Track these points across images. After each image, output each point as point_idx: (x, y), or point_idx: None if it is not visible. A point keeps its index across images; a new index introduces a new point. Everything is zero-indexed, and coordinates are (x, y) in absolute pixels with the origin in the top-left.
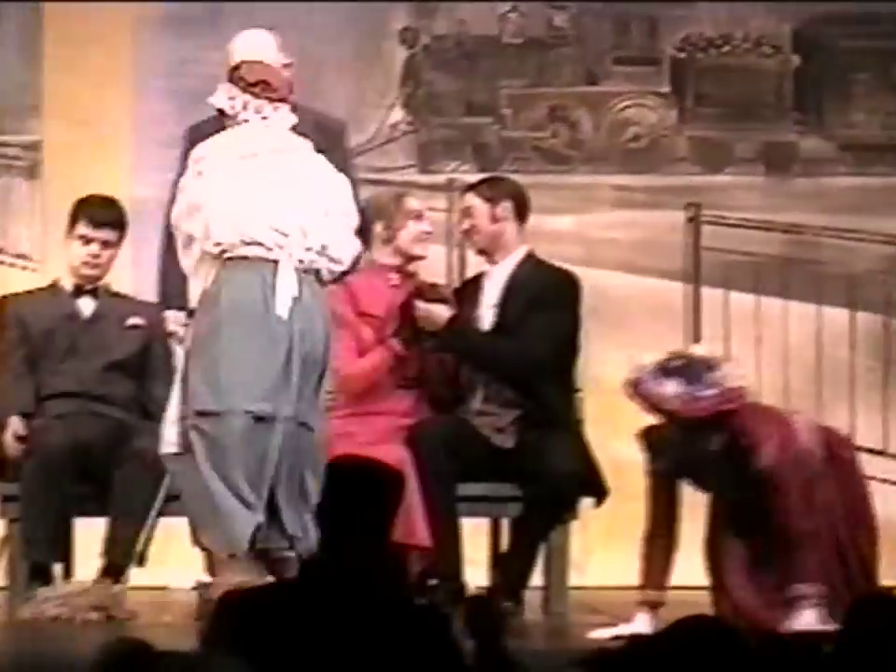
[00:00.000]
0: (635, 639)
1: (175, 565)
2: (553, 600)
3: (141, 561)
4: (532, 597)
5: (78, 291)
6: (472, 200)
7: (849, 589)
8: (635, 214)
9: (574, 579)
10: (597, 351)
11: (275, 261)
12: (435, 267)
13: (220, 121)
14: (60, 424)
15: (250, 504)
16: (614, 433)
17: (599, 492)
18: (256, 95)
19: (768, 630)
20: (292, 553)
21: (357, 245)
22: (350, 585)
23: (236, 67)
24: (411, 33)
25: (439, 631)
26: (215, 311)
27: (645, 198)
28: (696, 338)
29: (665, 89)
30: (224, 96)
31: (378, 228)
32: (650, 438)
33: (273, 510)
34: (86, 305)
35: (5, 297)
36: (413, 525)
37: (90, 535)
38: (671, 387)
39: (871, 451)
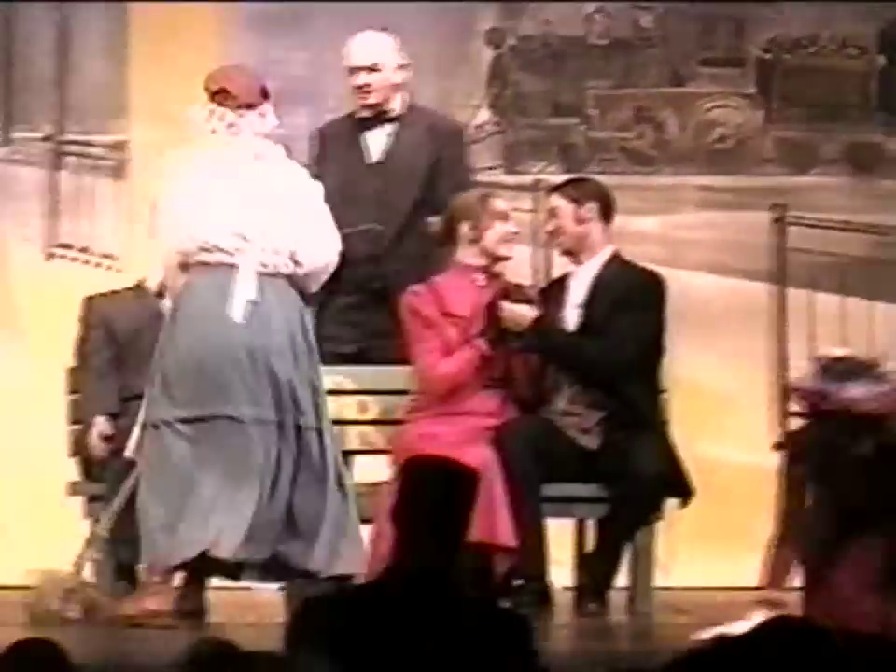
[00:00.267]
0: (722, 639)
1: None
2: (639, 601)
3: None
4: (617, 598)
5: (163, 291)
6: (558, 201)
7: None
8: (720, 215)
9: (659, 579)
10: (682, 352)
11: (236, 266)
12: (521, 268)
13: (346, 122)
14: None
15: (178, 523)
16: (699, 434)
17: (685, 492)
18: (219, 104)
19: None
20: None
21: (328, 247)
22: (427, 586)
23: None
24: (497, 33)
25: (518, 634)
26: (174, 318)
27: (730, 199)
28: (781, 339)
29: (751, 90)
30: (198, 107)
31: (464, 228)
32: (792, 442)
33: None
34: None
35: (90, 297)
36: (498, 525)
37: None
38: (858, 390)
39: None
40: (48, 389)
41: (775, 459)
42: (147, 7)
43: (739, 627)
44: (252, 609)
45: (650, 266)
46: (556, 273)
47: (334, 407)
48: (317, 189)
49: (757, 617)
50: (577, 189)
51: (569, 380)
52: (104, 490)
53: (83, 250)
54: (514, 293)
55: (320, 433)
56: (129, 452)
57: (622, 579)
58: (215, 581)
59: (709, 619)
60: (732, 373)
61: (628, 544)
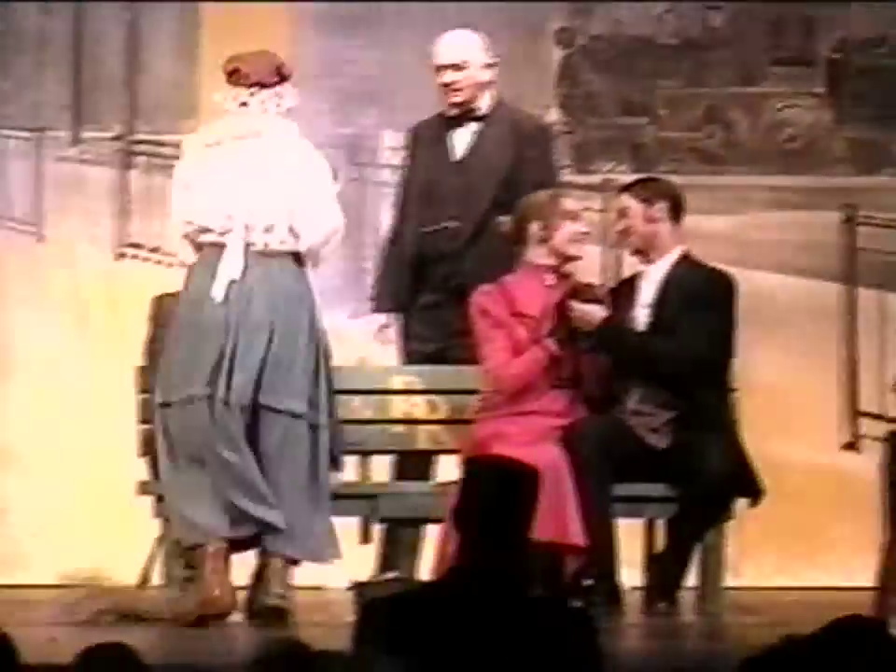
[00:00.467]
0: (791, 639)
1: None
2: (708, 601)
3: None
4: (687, 598)
5: None
6: (628, 200)
7: None
8: (790, 215)
9: (729, 579)
10: (752, 352)
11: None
12: (590, 267)
13: (436, 121)
14: None
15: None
16: (770, 434)
17: (754, 492)
18: (233, 84)
19: None
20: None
21: (323, 225)
22: (489, 585)
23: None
24: (567, 33)
25: (581, 631)
26: (179, 300)
27: (800, 199)
28: (851, 339)
29: (821, 89)
30: (220, 93)
31: (534, 228)
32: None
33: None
34: None
35: (160, 296)
36: (568, 524)
37: None
38: None
39: None
40: (117, 389)
41: (844, 459)
42: (218, 8)
43: None
44: (322, 608)
45: (720, 266)
46: (626, 273)
47: (404, 407)
48: (323, 167)
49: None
50: (647, 189)
51: (639, 380)
52: None
53: (153, 250)
54: (584, 293)
55: (302, 416)
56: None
57: (691, 579)
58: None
59: (779, 619)
60: (801, 373)
61: (698, 544)
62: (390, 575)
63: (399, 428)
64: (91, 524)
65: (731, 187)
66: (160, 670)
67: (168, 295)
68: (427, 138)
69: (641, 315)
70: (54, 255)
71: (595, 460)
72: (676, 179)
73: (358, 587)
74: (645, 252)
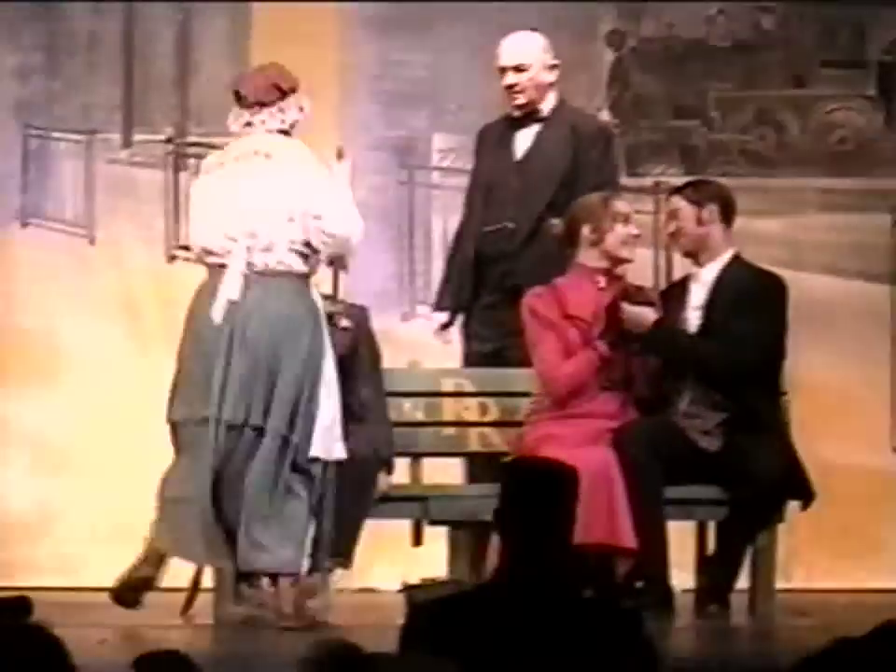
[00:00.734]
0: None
1: (381, 567)
2: (760, 603)
3: (348, 563)
4: (738, 601)
5: None
6: (679, 202)
7: None
8: (841, 217)
9: (780, 582)
10: (803, 354)
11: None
12: (642, 270)
13: (502, 122)
14: None
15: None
16: (821, 436)
17: (806, 495)
18: (238, 106)
19: None
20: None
21: (344, 230)
22: (534, 586)
23: None
24: (618, 35)
25: (629, 629)
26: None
27: (851, 201)
28: None
29: (872, 92)
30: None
31: (585, 230)
32: None
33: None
34: None
35: None
36: (619, 527)
37: None
38: None
39: None
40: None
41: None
42: (268, 9)
43: None
44: (373, 610)
45: (771, 268)
46: (677, 276)
47: (456, 409)
48: (314, 182)
49: None
50: (698, 191)
51: (690, 382)
52: None
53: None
54: (635, 295)
55: (285, 438)
56: None
57: (743, 581)
58: (339, 584)
59: (830, 621)
60: (853, 375)
61: (749, 546)
62: (441, 577)
63: (451, 431)
64: (144, 526)
65: (781, 189)
66: (209, 670)
67: None
68: (491, 139)
69: (692, 318)
70: (105, 257)
71: (646, 462)
72: (726, 182)
73: (409, 589)
74: (696, 254)
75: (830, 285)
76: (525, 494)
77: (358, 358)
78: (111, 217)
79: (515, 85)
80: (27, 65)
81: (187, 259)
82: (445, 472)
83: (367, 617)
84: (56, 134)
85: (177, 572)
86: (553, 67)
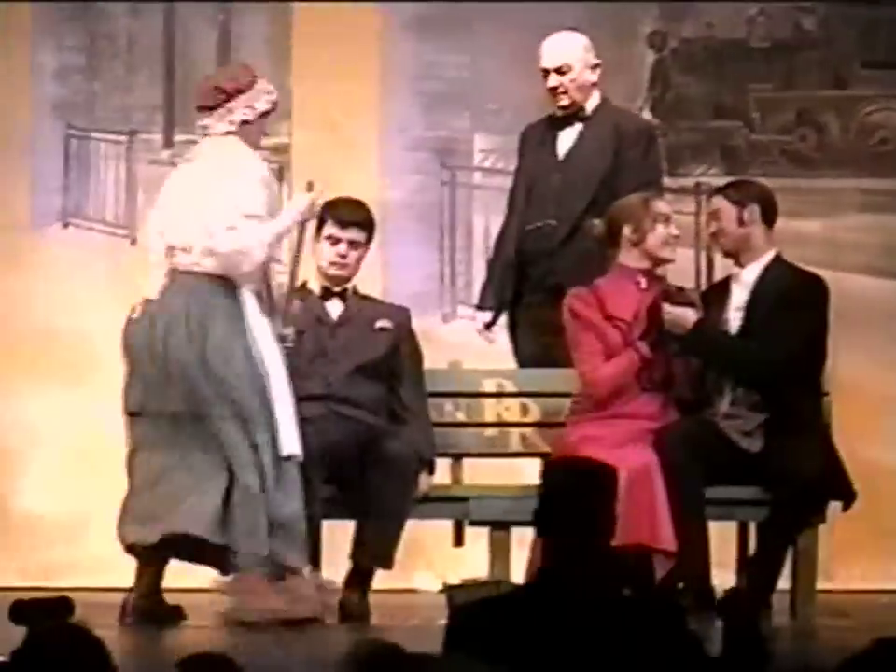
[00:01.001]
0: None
1: (423, 568)
2: (801, 604)
3: (388, 564)
4: (779, 601)
5: (327, 294)
6: (720, 203)
7: None
8: (881, 217)
9: (821, 582)
10: (844, 354)
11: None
12: (683, 270)
13: (546, 121)
14: (308, 427)
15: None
16: (862, 437)
17: (847, 495)
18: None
19: None
20: None
21: (231, 242)
22: (578, 586)
23: None
24: (659, 36)
25: (672, 624)
26: None
27: (892, 202)
28: None
29: None
30: None
31: (626, 231)
32: None
33: None
34: (334, 308)
35: None
36: (659, 528)
37: (337, 537)
38: None
39: None
40: None
41: None
42: (309, 10)
43: None
44: (415, 611)
45: (811, 269)
46: (718, 276)
47: (497, 409)
48: (220, 197)
49: None
50: (739, 192)
51: (731, 382)
52: None
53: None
54: (676, 296)
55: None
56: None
57: (784, 582)
58: (378, 584)
59: (871, 622)
60: (892, 376)
61: (790, 547)
62: (482, 578)
63: (492, 431)
64: None
65: (822, 190)
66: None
67: None
68: (534, 139)
69: (733, 319)
70: (146, 257)
71: (687, 464)
72: (768, 182)
73: (450, 590)
74: (737, 255)
75: (870, 285)
76: (565, 494)
77: (399, 359)
78: None
79: (558, 87)
80: (68, 66)
81: None
82: (486, 473)
83: (408, 617)
84: (97, 135)
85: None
86: (595, 67)
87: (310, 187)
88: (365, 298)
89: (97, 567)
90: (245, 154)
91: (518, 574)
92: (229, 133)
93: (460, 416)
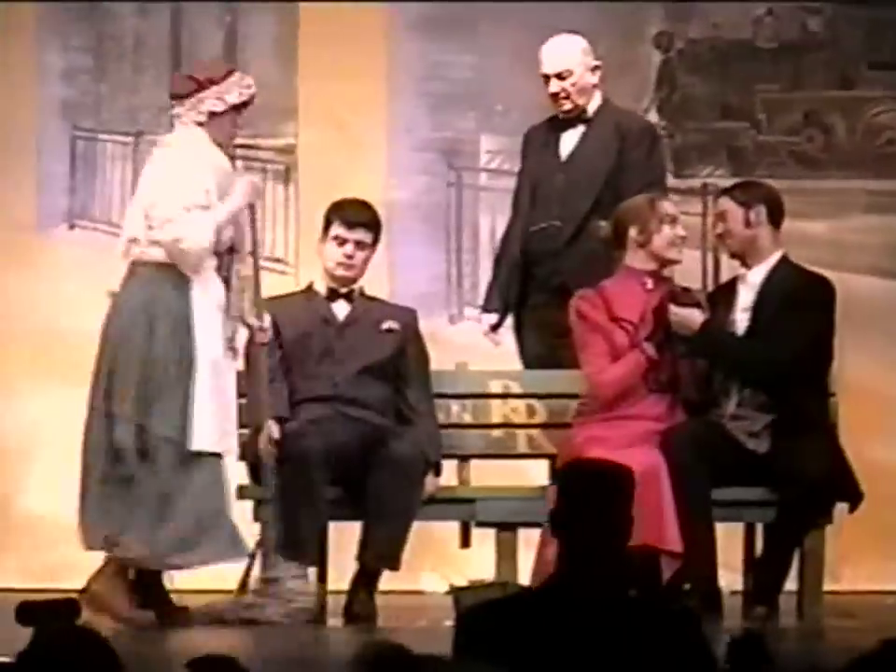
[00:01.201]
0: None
1: (429, 569)
2: (808, 605)
3: (395, 565)
4: (786, 602)
5: (333, 295)
6: (727, 204)
7: None
8: (888, 218)
9: (828, 583)
10: (850, 355)
11: None
12: (690, 272)
13: (549, 123)
14: (314, 428)
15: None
16: (868, 437)
17: (854, 496)
18: None
19: None
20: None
21: (172, 232)
22: (593, 589)
23: None
24: (665, 37)
25: (687, 632)
26: None
27: None
28: None
29: None
30: None
31: (632, 232)
32: None
33: None
34: (340, 309)
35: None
36: (665, 529)
37: (343, 538)
38: None
39: None
40: None
41: None
42: (315, 10)
43: None
44: (422, 612)
45: (818, 270)
46: (725, 277)
47: (503, 411)
48: (157, 175)
49: None
50: (746, 193)
51: (737, 383)
52: (271, 494)
53: (251, 254)
54: (682, 297)
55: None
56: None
57: (790, 583)
58: (385, 585)
59: (878, 623)
60: None
61: (797, 548)
62: (488, 579)
63: (498, 433)
64: None
65: (829, 191)
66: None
67: (268, 299)
68: (537, 141)
69: (740, 320)
70: None
71: (693, 465)
72: (774, 183)
73: (457, 591)
74: (744, 256)
75: (876, 286)
76: (584, 496)
77: (406, 360)
78: None
79: (560, 92)
80: (74, 67)
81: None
82: (493, 474)
83: (415, 619)
84: (103, 136)
85: (224, 575)
86: (595, 68)
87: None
88: (371, 299)
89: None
90: (200, 145)
91: (525, 575)
92: (199, 123)
93: (467, 417)
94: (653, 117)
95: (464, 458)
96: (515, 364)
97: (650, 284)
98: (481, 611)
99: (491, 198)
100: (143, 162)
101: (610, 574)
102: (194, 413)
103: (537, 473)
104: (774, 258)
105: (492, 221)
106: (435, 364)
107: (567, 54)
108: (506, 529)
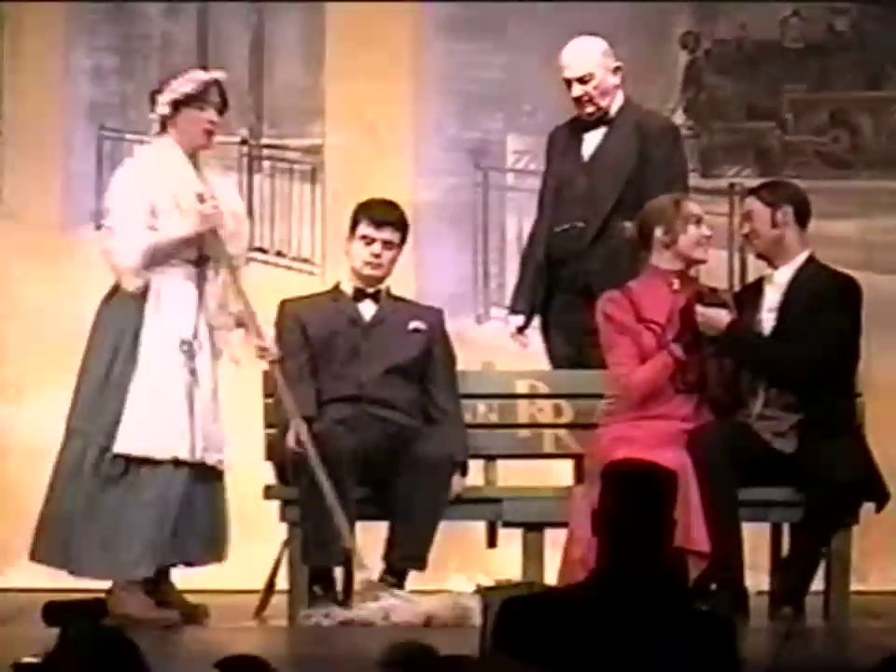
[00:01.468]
0: None
1: (456, 569)
2: (834, 605)
3: (422, 565)
4: (813, 603)
5: (360, 295)
6: (753, 204)
7: None
8: None
9: (855, 584)
10: (877, 355)
11: None
12: (716, 272)
13: (572, 124)
14: (341, 428)
15: None
16: (894, 438)
17: (880, 496)
18: None
19: None
20: None
21: (110, 246)
22: (631, 590)
23: None
24: (692, 37)
25: (721, 637)
26: None
27: None
28: None
29: None
30: None
31: (658, 233)
32: None
33: None
34: (367, 309)
35: (285, 301)
36: (693, 530)
37: (371, 538)
38: None
39: None
40: (243, 393)
41: None
42: (343, 11)
43: None
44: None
45: (845, 270)
46: (752, 277)
47: (530, 411)
48: (114, 181)
49: None
50: (772, 193)
51: (765, 384)
52: (299, 494)
53: (278, 254)
54: (709, 297)
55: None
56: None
57: (817, 583)
58: (411, 585)
59: None
60: None
61: (824, 548)
62: (515, 579)
63: (525, 433)
64: None
65: (856, 191)
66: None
67: (295, 299)
68: (561, 142)
69: (767, 319)
70: None
71: (721, 465)
72: (801, 183)
73: (484, 591)
74: (770, 256)
75: None
76: (630, 497)
77: (433, 361)
78: None
79: (583, 95)
80: (101, 67)
81: (265, 262)
82: (519, 474)
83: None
84: (130, 136)
85: (251, 575)
86: (616, 69)
87: (200, 198)
88: (398, 299)
89: None
90: (164, 160)
91: (551, 575)
92: (162, 133)
93: (493, 418)
94: (680, 117)
95: (490, 458)
96: (542, 364)
97: (676, 284)
98: (516, 608)
99: (518, 198)
100: None
101: (652, 575)
102: (124, 416)
103: (564, 473)
104: (800, 258)
105: (519, 221)
106: (462, 364)
107: (587, 57)
108: (532, 529)
